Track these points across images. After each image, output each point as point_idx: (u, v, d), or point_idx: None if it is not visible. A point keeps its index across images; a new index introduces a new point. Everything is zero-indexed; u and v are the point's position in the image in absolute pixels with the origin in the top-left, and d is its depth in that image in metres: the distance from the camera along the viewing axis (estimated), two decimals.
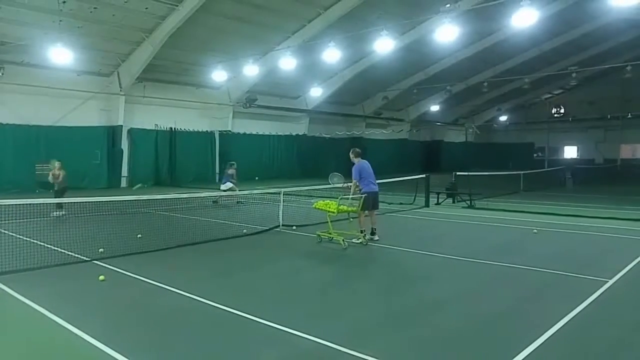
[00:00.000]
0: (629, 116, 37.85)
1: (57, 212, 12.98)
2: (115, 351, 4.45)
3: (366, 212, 9.97)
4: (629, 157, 42.33)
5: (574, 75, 32.45)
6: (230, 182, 16.97)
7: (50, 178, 13.66)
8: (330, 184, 11.53)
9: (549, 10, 23.22)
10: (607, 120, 40.16)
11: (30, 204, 11.73)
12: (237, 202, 16.77)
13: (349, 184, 10.32)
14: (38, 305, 5.73)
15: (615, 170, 37.60)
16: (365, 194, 9.84)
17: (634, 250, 8.95)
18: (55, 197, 12.85)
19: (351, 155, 10.35)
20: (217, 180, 27.16)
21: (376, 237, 10.03)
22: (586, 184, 27.01)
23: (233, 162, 17.99)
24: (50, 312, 5.49)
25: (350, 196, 9.94)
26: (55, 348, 4.72)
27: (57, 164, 13.56)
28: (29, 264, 7.56)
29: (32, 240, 9.46)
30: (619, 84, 35.21)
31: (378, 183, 10.42)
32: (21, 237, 9.82)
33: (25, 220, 12.14)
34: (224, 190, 16.62)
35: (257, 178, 28.03)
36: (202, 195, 15.66)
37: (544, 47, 30.65)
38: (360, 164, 10.14)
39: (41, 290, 6.46)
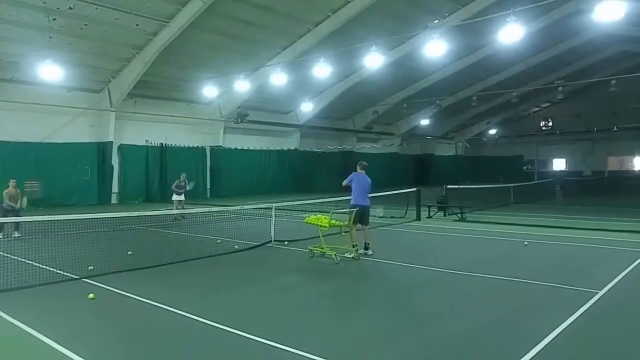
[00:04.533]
0: (615, 129, 38.45)
1: (17, 234, 12.19)
2: None
3: (358, 225, 9.99)
4: (616, 169, 42.88)
5: (560, 89, 32.95)
6: (178, 193, 17.05)
7: (7, 198, 12.29)
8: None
9: (535, 26, 23.68)
10: (594, 133, 40.76)
11: (19, 221, 11.62)
12: (175, 218, 16.34)
13: None
14: (26, 325, 5.63)
15: (602, 182, 38.04)
16: (356, 208, 9.88)
17: (622, 261, 9.04)
18: (14, 217, 12.02)
19: (358, 167, 10.57)
20: (208, 196, 27.10)
21: (370, 252, 10.02)
22: (575, 196, 27.30)
23: (183, 173, 17.94)
24: (38, 332, 5.40)
25: (342, 211, 9.95)
26: None
27: (12, 182, 12.59)
28: (16, 282, 7.44)
29: (19, 259, 9.31)
30: (605, 98, 35.80)
31: (369, 197, 10.45)
32: (9, 255, 9.68)
33: (12, 238, 12.00)
34: (179, 202, 16.88)
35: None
36: (194, 211, 15.59)
37: (531, 62, 31.17)
38: (358, 173, 10.31)
39: (29, 309, 6.37)
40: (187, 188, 17.48)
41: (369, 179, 10.36)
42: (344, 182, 10.38)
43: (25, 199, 12.92)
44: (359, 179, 10.23)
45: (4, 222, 12.03)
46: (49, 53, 17.80)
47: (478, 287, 7.58)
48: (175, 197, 17.07)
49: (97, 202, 22.71)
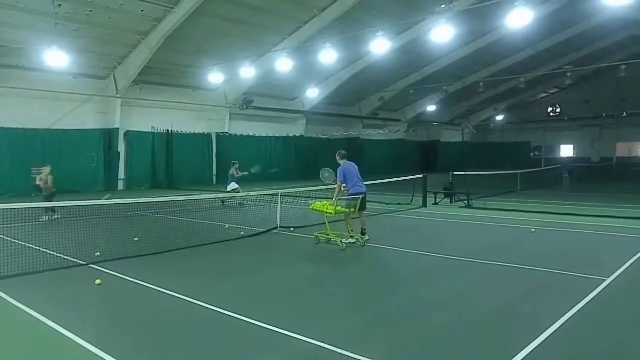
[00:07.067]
0: (624, 115, 37.99)
1: (48, 216, 12.84)
2: (113, 357, 4.43)
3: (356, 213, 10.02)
4: (624, 155, 42.49)
5: (569, 74, 32.52)
6: (234, 182, 17.32)
7: (39, 183, 13.50)
8: (322, 179, 11.37)
9: (544, 10, 23.32)
10: (603, 119, 40.31)
11: (25, 208, 11.70)
12: (239, 203, 16.98)
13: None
14: (34, 310, 5.68)
15: (611, 168, 37.69)
16: (358, 196, 9.84)
17: (631, 249, 8.96)
18: (45, 202, 12.78)
19: (337, 158, 10.29)
20: (214, 182, 27.16)
21: (366, 237, 10.02)
22: (583, 183, 27.06)
23: (235, 162, 18.07)
24: (46, 317, 5.44)
25: (345, 198, 9.91)
26: (52, 355, 4.69)
27: (44, 169, 13.57)
28: (24, 268, 7.50)
29: (27, 245, 9.40)
30: (614, 83, 35.38)
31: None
32: (17, 241, 9.76)
33: (20, 224, 12.09)
34: (229, 191, 17.05)
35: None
36: (200, 197, 15.61)
37: (539, 47, 30.77)
38: (345, 166, 10.09)
39: (37, 295, 6.42)
40: (246, 173, 17.74)
41: (355, 165, 10.22)
42: (339, 181, 9.96)
43: (50, 180, 13.46)
44: (348, 169, 10.02)
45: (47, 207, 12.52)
46: (55, 39, 17.75)
47: (484, 274, 7.55)
48: (230, 187, 17.39)
49: (104, 189, 22.80)
